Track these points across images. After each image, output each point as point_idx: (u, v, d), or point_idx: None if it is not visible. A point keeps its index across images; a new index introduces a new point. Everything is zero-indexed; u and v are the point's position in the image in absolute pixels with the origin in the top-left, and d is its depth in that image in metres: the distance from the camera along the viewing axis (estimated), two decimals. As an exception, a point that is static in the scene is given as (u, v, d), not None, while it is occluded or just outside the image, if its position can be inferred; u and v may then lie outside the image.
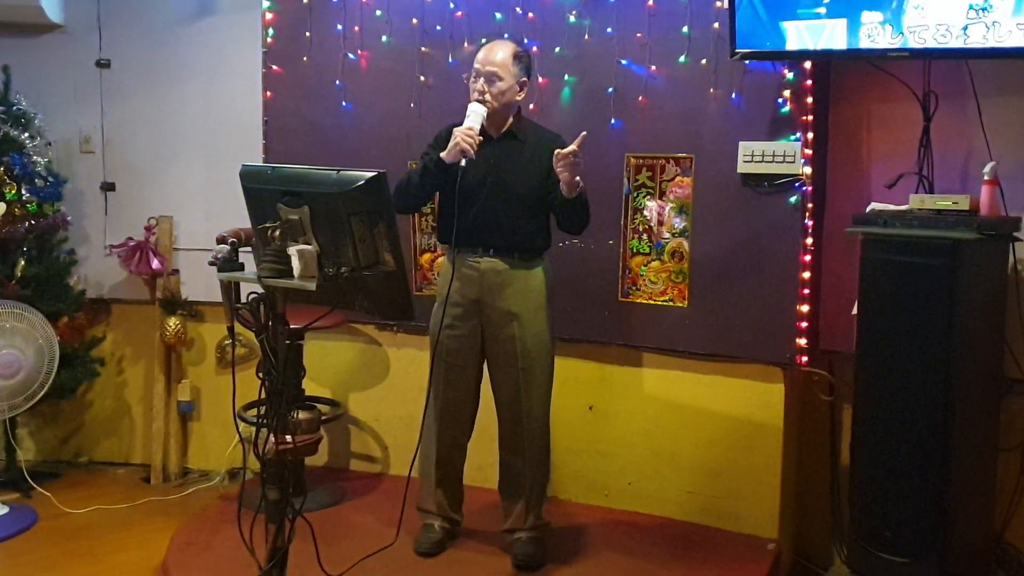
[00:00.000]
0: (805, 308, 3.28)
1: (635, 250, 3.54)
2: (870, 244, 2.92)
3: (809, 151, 3.24)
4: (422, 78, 3.79)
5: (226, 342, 4.29)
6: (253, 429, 2.47)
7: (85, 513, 3.87)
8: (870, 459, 2.94)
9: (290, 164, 2.59)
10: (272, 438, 2.38)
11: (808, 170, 3.24)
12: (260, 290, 2.36)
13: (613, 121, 3.51)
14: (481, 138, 2.98)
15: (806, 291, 3.29)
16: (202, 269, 2.65)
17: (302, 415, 3.41)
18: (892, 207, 3.02)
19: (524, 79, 3.09)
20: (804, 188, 3.25)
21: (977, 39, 2.78)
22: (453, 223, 3.00)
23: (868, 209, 3.07)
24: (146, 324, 4.35)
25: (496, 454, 3.30)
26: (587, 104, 3.54)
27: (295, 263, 2.26)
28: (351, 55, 3.88)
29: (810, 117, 3.24)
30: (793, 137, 3.24)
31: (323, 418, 3.69)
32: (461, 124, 2.98)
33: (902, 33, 2.88)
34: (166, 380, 4.34)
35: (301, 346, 3.61)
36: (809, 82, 3.22)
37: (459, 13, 3.72)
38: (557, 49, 3.54)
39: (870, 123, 3.36)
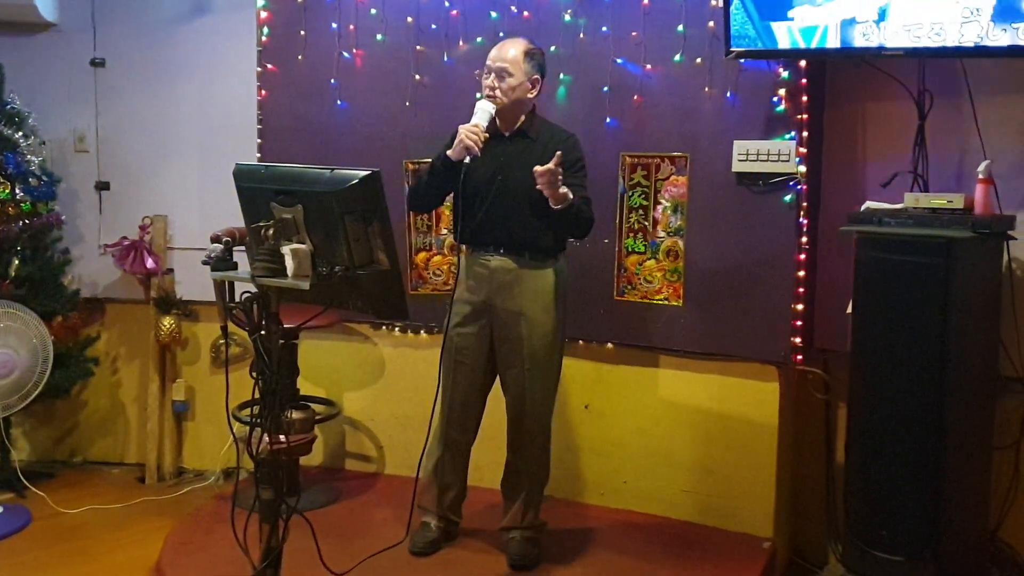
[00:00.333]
0: (800, 307, 3.29)
1: (630, 249, 3.54)
2: (865, 243, 2.92)
3: (804, 150, 3.24)
4: (417, 77, 3.78)
5: (220, 342, 4.28)
6: (247, 429, 2.47)
7: (79, 513, 3.86)
8: (865, 457, 2.94)
9: (285, 163, 2.58)
10: (266, 438, 2.37)
11: (803, 169, 3.24)
12: (254, 289, 2.35)
13: (608, 120, 3.50)
14: (487, 135, 2.97)
15: (801, 290, 3.29)
16: (197, 268, 2.64)
17: (296, 415, 3.40)
18: (887, 206, 3.02)
19: (536, 76, 3.07)
20: (799, 187, 3.25)
21: (971, 38, 2.78)
22: (459, 222, 3.00)
23: (863, 208, 3.07)
24: (140, 324, 4.35)
25: (494, 453, 3.30)
26: (582, 103, 3.53)
27: (289, 262, 2.25)
28: (346, 54, 3.87)
29: (805, 116, 3.24)
30: (788, 136, 3.24)
31: (317, 418, 3.68)
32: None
33: (897, 32, 2.88)
34: (160, 380, 4.33)
35: (295, 345, 3.62)
36: (804, 81, 3.22)
37: (454, 12, 3.71)
38: (552, 48, 3.53)
39: (865, 122, 3.36)
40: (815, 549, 3.58)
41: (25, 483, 4.01)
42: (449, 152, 2.98)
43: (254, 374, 2.38)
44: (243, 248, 2.47)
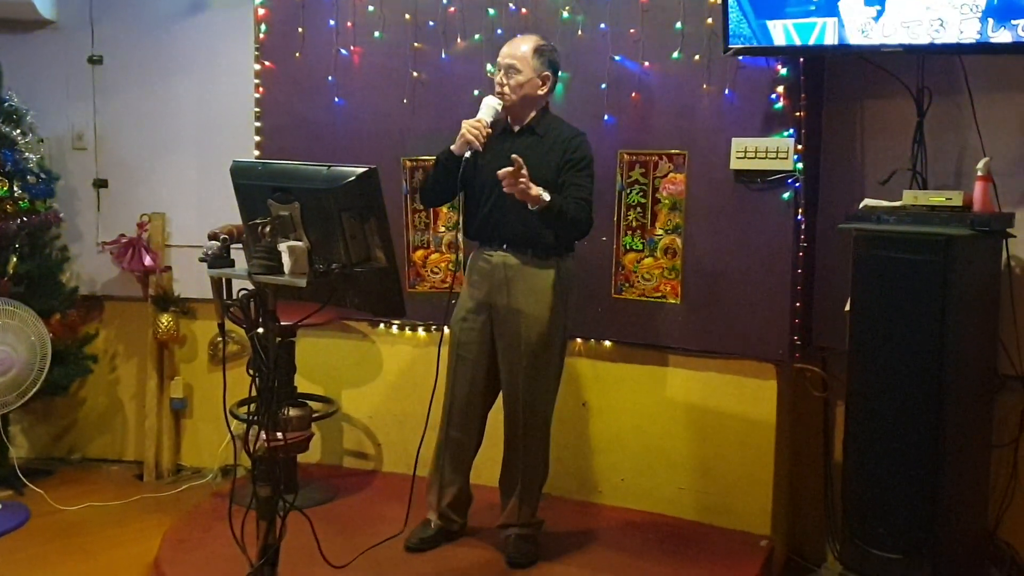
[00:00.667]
0: (798, 304, 3.29)
1: (628, 247, 3.54)
2: (863, 240, 2.92)
3: (802, 147, 3.24)
4: (415, 74, 3.78)
5: (218, 339, 4.28)
6: (245, 426, 2.47)
7: (78, 510, 3.86)
8: (863, 455, 2.94)
9: (282, 160, 2.58)
10: (263, 435, 2.37)
11: (801, 166, 3.24)
12: (251, 287, 2.35)
13: (606, 117, 3.50)
14: (490, 131, 2.97)
15: (799, 288, 3.29)
16: (195, 266, 2.64)
17: (293, 412, 3.42)
18: (885, 203, 3.01)
19: (547, 73, 3.06)
20: (797, 184, 3.25)
21: (971, 34, 2.77)
22: (465, 217, 3.01)
23: (861, 205, 3.06)
24: (139, 321, 4.34)
25: (492, 451, 3.30)
26: (580, 100, 3.53)
27: (286, 259, 2.25)
28: (344, 51, 3.87)
29: (803, 113, 3.23)
30: (786, 133, 3.24)
31: (315, 415, 3.69)
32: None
33: (896, 28, 2.88)
34: (159, 377, 4.33)
35: (293, 343, 3.62)
36: (802, 78, 3.22)
37: (452, 9, 3.71)
38: (550, 45, 3.53)
39: (863, 119, 3.36)
40: (813, 547, 3.58)
41: (24, 480, 4.01)
42: (453, 146, 3.00)
43: (251, 371, 2.38)
44: (241, 245, 2.47)
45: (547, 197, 2.87)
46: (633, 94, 3.46)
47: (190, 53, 4.22)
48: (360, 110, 3.88)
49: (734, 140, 3.30)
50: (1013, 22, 2.71)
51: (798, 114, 3.23)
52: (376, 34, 3.82)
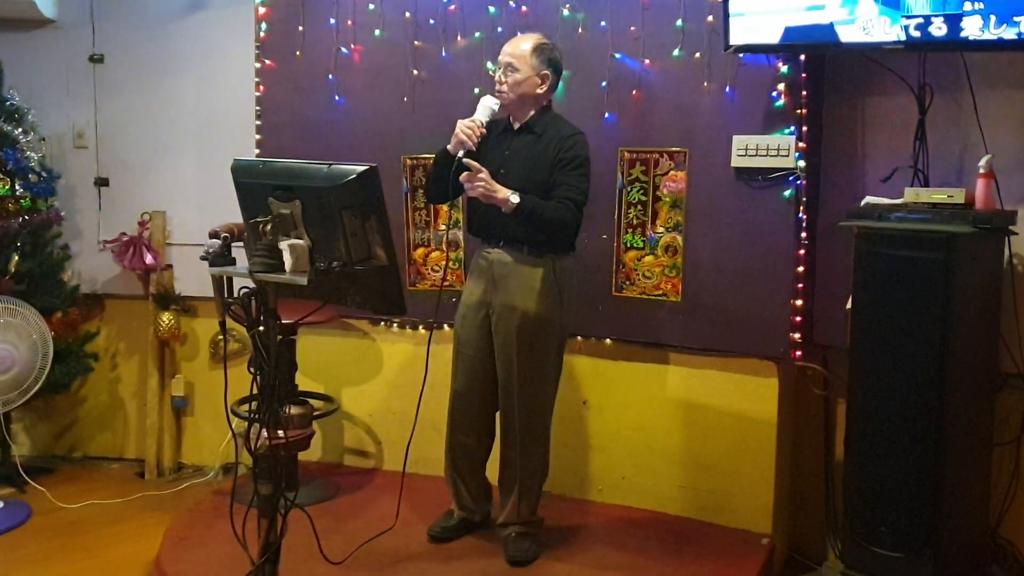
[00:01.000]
0: (799, 302, 3.28)
1: (629, 245, 3.53)
2: (864, 238, 2.91)
3: (803, 145, 3.23)
4: (415, 72, 3.78)
5: (219, 337, 4.28)
6: (246, 424, 2.47)
7: (79, 508, 3.87)
8: (864, 454, 2.93)
9: (283, 159, 2.58)
10: (264, 433, 2.37)
11: (802, 164, 3.23)
12: (252, 285, 2.35)
13: (607, 115, 3.50)
14: (484, 131, 2.99)
15: (800, 285, 3.29)
16: (195, 264, 2.65)
17: (294, 410, 3.42)
18: (887, 201, 3.01)
19: (546, 72, 3.07)
20: (798, 182, 3.25)
21: (973, 31, 2.77)
22: (467, 214, 3.03)
23: (863, 203, 3.06)
24: (140, 319, 4.35)
25: (493, 450, 3.31)
26: (581, 98, 3.52)
27: (287, 257, 2.25)
28: (344, 49, 3.87)
29: (804, 111, 3.23)
30: (787, 131, 3.23)
31: (316, 413, 3.69)
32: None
33: (897, 24, 2.87)
34: (160, 375, 4.33)
35: (293, 341, 3.62)
36: (803, 75, 3.21)
37: (452, 7, 3.70)
38: (551, 43, 3.53)
39: (865, 116, 3.35)
40: (814, 545, 3.58)
41: (25, 478, 4.02)
42: (449, 145, 3.00)
43: (252, 370, 2.38)
44: (241, 244, 2.47)
45: (515, 200, 2.89)
46: (634, 92, 3.46)
47: (191, 52, 4.23)
48: (360, 108, 3.87)
49: (735, 137, 3.30)
50: (1015, 19, 2.70)
51: (799, 111, 3.22)
52: (376, 32, 3.82)
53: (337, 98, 3.90)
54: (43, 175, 4.13)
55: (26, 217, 4.04)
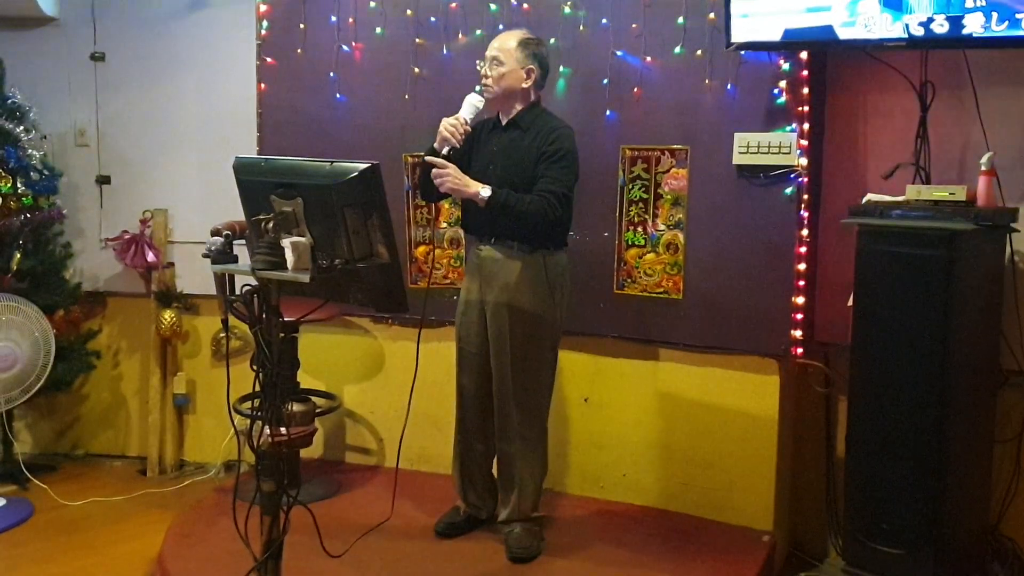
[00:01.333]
0: (800, 300, 3.28)
1: (630, 242, 3.53)
2: (866, 235, 2.91)
3: (805, 142, 3.23)
4: (416, 70, 3.78)
5: (221, 335, 4.29)
6: (248, 421, 2.47)
7: (82, 505, 3.87)
8: (865, 451, 2.93)
9: (285, 156, 2.58)
10: (267, 430, 2.38)
11: (804, 161, 3.23)
12: (254, 282, 2.35)
13: (608, 113, 3.50)
14: (469, 128, 3.00)
15: (802, 283, 3.29)
16: (197, 262, 2.65)
17: (296, 407, 3.40)
18: (888, 198, 3.01)
19: (531, 66, 3.07)
20: (800, 179, 3.25)
21: (975, 29, 2.76)
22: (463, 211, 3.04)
23: (864, 200, 3.06)
24: (141, 317, 4.35)
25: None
26: (582, 95, 3.52)
27: (289, 255, 2.25)
28: (345, 47, 3.87)
29: (806, 108, 3.23)
30: (789, 128, 3.23)
31: (318, 411, 3.68)
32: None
33: (900, 22, 2.87)
34: (162, 373, 4.34)
35: (295, 339, 3.61)
36: (805, 72, 3.21)
37: (453, 5, 3.70)
38: (552, 40, 3.51)
39: (866, 113, 3.35)
40: (815, 542, 3.58)
41: (28, 475, 4.03)
42: (435, 144, 3.01)
43: (255, 367, 2.38)
44: (243, 241, 2.47)
45: (485, 194, 2.90)
46: (635, 89, 3.46)
47: (192, 49, 4.23)
48: (362, 106, 3.87)
49: (736, 135, 3.30)
50: (1017, 16, 2.70)
51: (801, 109, 3.22)
52: (377, 30, 3.82)
53: (338, 96, 3.90)
54: (45, 173, 4.14)
55: (28, 215, 4.05)
